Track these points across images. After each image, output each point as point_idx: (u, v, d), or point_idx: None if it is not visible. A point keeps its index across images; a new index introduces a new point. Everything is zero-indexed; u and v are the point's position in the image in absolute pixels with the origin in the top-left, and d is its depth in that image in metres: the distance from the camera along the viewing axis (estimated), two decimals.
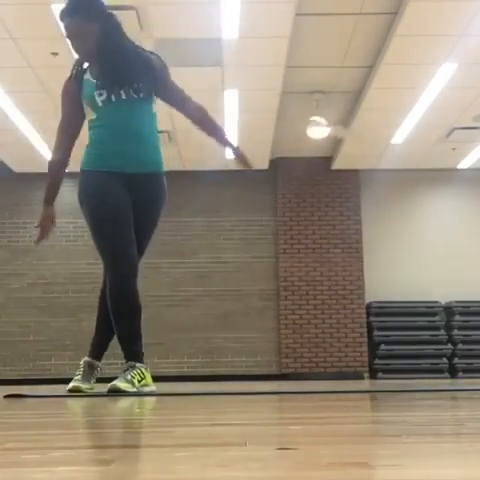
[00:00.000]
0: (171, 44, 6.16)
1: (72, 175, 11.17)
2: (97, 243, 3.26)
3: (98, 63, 3.23)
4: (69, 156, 3.37)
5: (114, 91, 3.19)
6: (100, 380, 3.46)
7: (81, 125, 3.37)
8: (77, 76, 3.29)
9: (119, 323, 3.19)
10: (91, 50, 3.20)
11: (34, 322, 9.40)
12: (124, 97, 3.20)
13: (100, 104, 3.20)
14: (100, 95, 3.20)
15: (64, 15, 3.19)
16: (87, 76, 3.27)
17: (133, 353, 3.16)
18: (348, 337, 9.38)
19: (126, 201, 3.25)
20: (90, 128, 3.30)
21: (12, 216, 9.65)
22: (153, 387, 3.16)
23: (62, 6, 3.28)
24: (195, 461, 0.88)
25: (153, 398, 2.87)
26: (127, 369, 3.10)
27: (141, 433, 1.41)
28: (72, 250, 9.61)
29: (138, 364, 3.12)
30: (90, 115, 3.26)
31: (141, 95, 3.23)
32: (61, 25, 3.28)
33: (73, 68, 3.32)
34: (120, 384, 3.01)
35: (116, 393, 2.97)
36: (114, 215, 3.22)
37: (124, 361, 3.18)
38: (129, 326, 3.20)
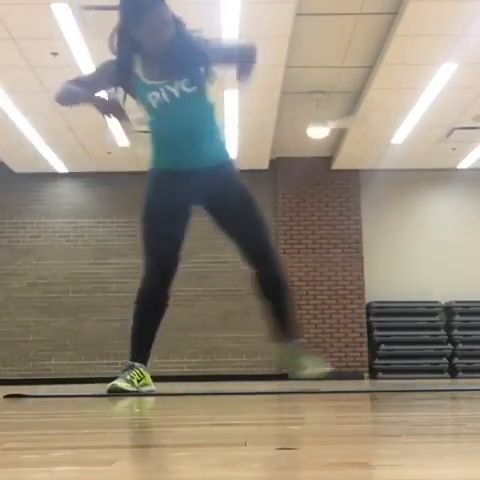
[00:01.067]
0: None
1: (73, 175, 11.03)
2: (140, 240, 3.23)
3: (160, 56, 3.07)
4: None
5: (167, 91, 3.09)
6: (100, 380, 3.47)
7: (102, 88, 3.22)
8: (126, 65, 3.10)
9: (135, 321, 3.20)
10: (164, 42, 3.03)
11: (34, 322, 9.40)
12: (178, 96, 3.08)
13: (155, 106, 3.11)
14: (154, 97, 3.09)
15: (137, 3, 3.00)
16: (138, 71, 3.12)
17: (135, 354, 3.18)
18: (348, 337, 9.38)
19: (174, 202, 3.15)
20: (149, 126, 3.22)
21: (12, 216, 9.64)
22: (152, 386, 3.17)
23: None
24: (195, 461, 0.88)
25: (153, 398, 2.87)
26: (126, 369, 3.11)
27: (141, 433, 1.41)
28: (72, 250, 9.62)
29: (137, 364, 3.13)
30: (146, 115, 3.19)
31: (195, 88, 3.09)
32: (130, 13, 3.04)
33: (119, 53, 3.11)
34: (120, 384, 3.02)
35: (116, 393, 2.97)
36: (154, 215, 3.16)
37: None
38: (143, 328, 3.22)
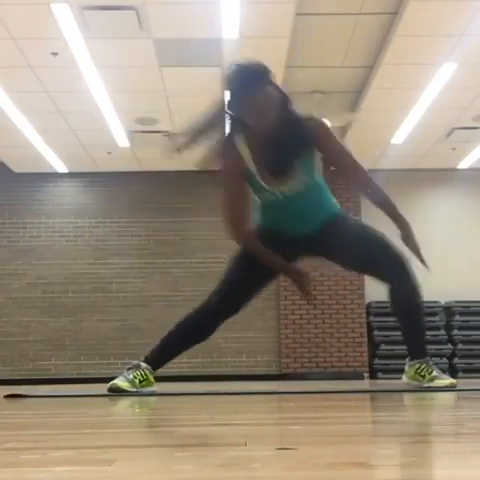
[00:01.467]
0: (171, 44, 6.16)
1: (73, 175, 10.99)
2: (224, 271, 3.26)
3: (267, 145, 2.92)
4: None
5: (282, 193, 3.00)
6: (100, 380, 3.46)
7: (250, 203, 3.11)
8: (236, 157, 2.97)
9: (173, 332, 3.22)
10: (270, 125, 2.87)
11: (34, 322, 9.40)
12: (293, 195, 3.00)
13: (271, 202, 3.05)
14: (268, 197, 3.03)
15: (244, 84, 2.81)
16: (251, 166, 2.97)
17: (152, 357, 3.18)
18: (348, 337, 9.38)
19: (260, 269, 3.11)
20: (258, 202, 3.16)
21: (12, 216, 9.65)
22: (154, 387, 3.16)
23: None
24: (195, 461, 0.88)
25: (153, 398, 2.87)
26: (131, 368, 3.10)
27: (141, 433, 1.41)
28: (72, 250, 9.62)
29: (144, 365, 3.12)
30: (257, 203, 3.15)
31: (306, 183, 3.01)
32: (234, 94, 2.86)
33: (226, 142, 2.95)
34: (120, 383, 3.01)
35: (116, 392, 2.97)
36: (250, 261, 3.12)
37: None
38: (175, 343, 3.23)
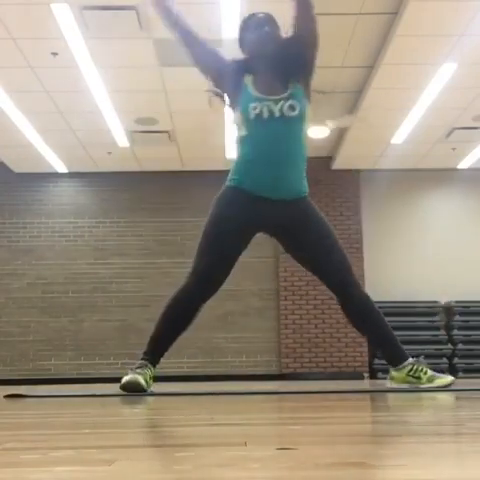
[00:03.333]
0: (171, 44, 6.16)
1: (73, 175, 11.00)
2: (197, 250, 3.23)
3: (263, 68, 3.16)
4: (180, 24, 3.51)
5: (269, 109, 3.04)
6: (100, 380, 3.46)
7: (202, 58, 3.46)
8: (240, 68, 3.23)
9: (161, 325, 3.20)
10: (267, 53, 3.19)
11: (34, 322, 9.40)
12: (277, 115, 3.04)
13: (252, 118, 3.05)
14: (254, 108, 3.05)
15: (257, 17, 3.28)
16: (248, 79, 3.16)
17: (150, 353, 3.18)
18: (348, 337, 9.38)
19: (245, 226, 3.18)
20: (238, 142, 3.16)
21: (12, 216, 9.65)
22: (152, 388, 3.17)
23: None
24: (195, 461, 0.88)
25: (153, 398, 2.87)
26: (141, 367, 3.10)
27: (141, 433, 1.41)
28: (72, 250, 9.62)
29: (149, 364, 3.14)
30: (240, 128, 3.13)
31: (297, 113, 3.05)
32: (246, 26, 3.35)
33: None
34: (141, 380, 3.01)
35: (133, 386, 2.96)
36: (221, 233, 3.19)
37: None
38: (166, 335, 3.20)
